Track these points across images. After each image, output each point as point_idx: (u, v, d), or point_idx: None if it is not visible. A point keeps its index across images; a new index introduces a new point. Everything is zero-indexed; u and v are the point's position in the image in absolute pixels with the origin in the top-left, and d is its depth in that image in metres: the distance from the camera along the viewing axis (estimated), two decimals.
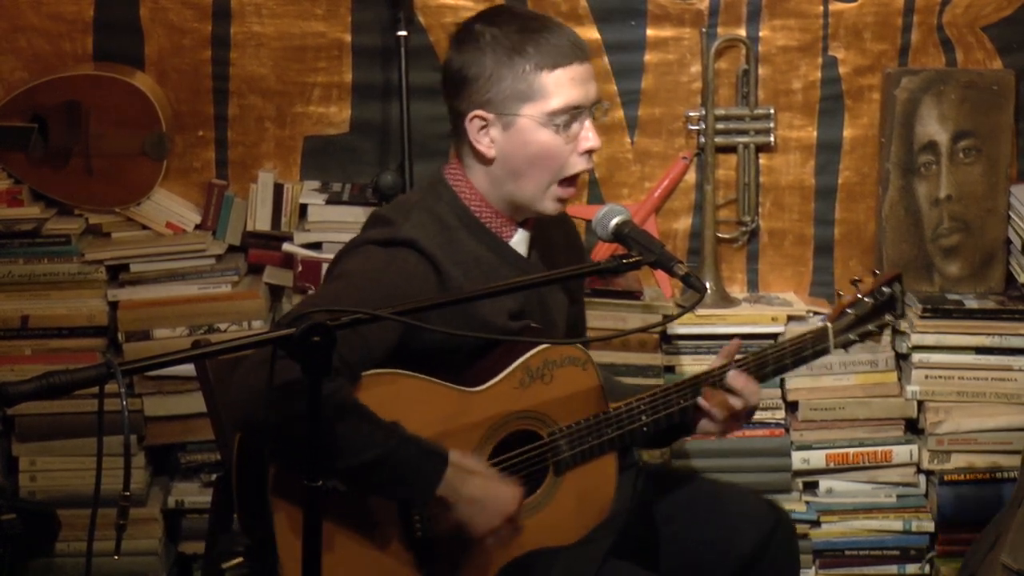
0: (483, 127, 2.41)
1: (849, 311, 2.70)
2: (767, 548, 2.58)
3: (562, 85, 2.38)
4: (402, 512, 2.31)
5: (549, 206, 2.46)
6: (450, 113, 2.48)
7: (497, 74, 2.38)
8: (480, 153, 2.43)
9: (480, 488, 2.28)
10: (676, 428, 2.59)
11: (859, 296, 2.72)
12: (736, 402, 2.54)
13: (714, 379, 2.55)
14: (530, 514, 2.41)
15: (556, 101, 2.38)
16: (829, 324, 2.68)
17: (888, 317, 2.74)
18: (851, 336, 2.70)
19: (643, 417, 2.50)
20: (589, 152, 2.44)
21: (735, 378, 2.54)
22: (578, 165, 2.43)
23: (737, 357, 2.61)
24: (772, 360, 2.62)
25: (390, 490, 2.25)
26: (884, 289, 2.72)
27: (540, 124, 2.39)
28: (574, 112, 2.40)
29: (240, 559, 2.38)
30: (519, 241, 2.51)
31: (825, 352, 2.68)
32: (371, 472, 2.19)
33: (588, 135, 2.42)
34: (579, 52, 2.41)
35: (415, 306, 2.12)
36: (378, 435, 2.19)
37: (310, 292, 3.41)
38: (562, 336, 2.59)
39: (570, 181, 2.45)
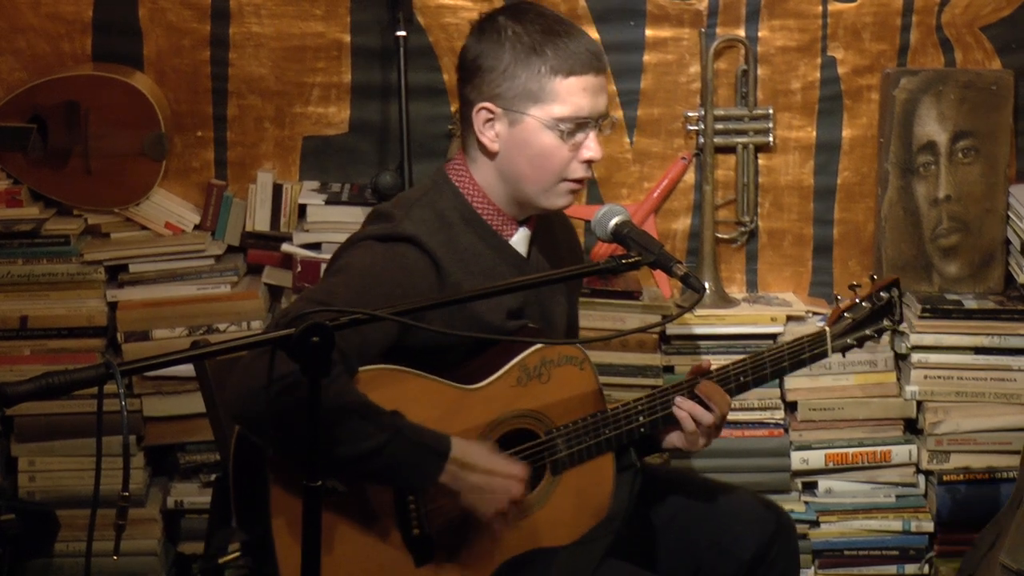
0: (489, 120, 2.42)
1: (847, 315, 2.69)
2: (768, 550, 2.58)
3: (573, 93, 2.38)
4: (399, 509, 2.30)
5: (559, 201, 2.46)
6: (460, 99, 2.49)
7: (512, 70, 2.38)
8: (484, 146, 2.44)
9: (485, 470, 2.27)
10: (642, 443, 2.57)
11: (856, 300, 2.71)
12: (705, 416, 2.51)
13: (688, 388, 2.53)
14: (527, 513, 2.41)
15: (565, 108, 2.38)
16: (827, 328, 2.67)
17: (887, 322, 2.73)
18: (849, 340, 2.69)
19: (640, 418, 2.50)
20: (589, 162, 2.44)
21: (704, 387, 2.51)
22: (577, 172, 2.43)
23: (735, 357, 2.60)
24: (770, 362, 2.61)
25: (393, 477, 2.24)
26: (882, 294, 2.71)
27: (545, 127, 2.39)
28: (580, 122, 2.40)
29: (236, 553, 2.37)
30: (519, 240, 2.51)
31: (823, 356, 2.67)
32: (373, 460, 2.19)
33: (591, 144, 2.42)
34: (596, 63, 2.41)
35: (413, 306, 2.12)
36: (379, 422, 2.19)
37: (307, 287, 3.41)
38: (561, 336, 2.59)
39: (576, 179, 2.45)
